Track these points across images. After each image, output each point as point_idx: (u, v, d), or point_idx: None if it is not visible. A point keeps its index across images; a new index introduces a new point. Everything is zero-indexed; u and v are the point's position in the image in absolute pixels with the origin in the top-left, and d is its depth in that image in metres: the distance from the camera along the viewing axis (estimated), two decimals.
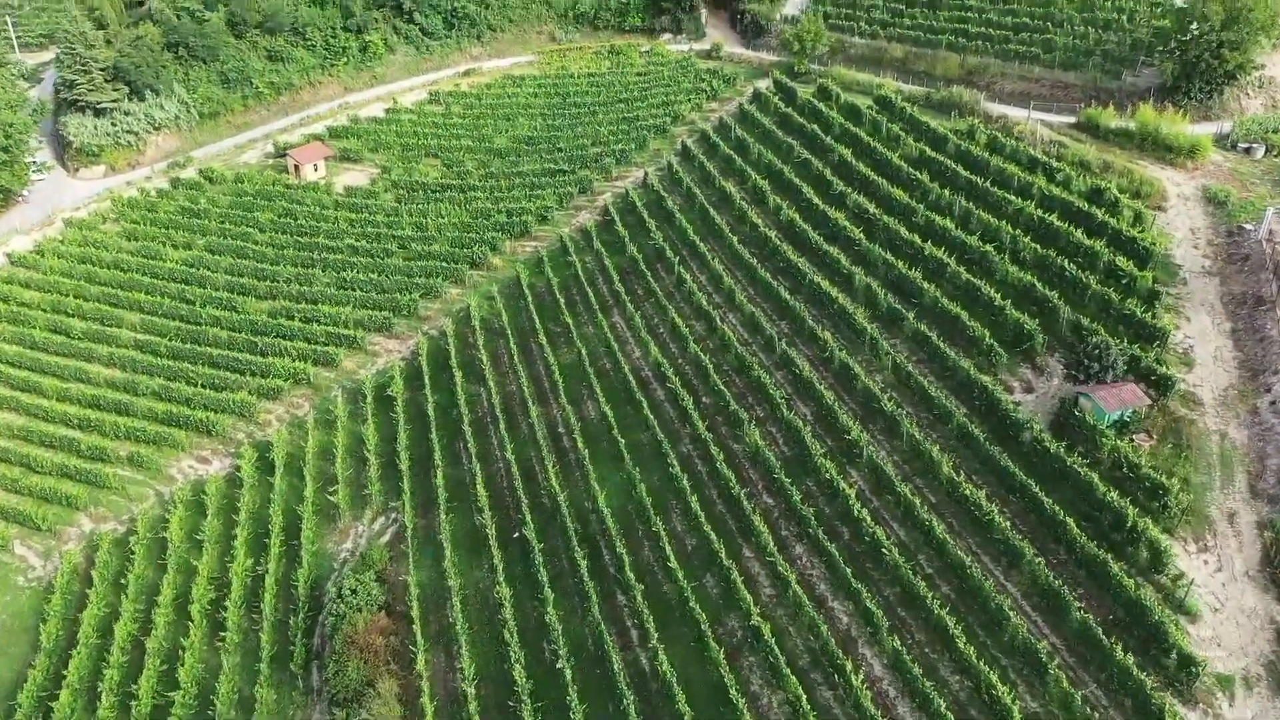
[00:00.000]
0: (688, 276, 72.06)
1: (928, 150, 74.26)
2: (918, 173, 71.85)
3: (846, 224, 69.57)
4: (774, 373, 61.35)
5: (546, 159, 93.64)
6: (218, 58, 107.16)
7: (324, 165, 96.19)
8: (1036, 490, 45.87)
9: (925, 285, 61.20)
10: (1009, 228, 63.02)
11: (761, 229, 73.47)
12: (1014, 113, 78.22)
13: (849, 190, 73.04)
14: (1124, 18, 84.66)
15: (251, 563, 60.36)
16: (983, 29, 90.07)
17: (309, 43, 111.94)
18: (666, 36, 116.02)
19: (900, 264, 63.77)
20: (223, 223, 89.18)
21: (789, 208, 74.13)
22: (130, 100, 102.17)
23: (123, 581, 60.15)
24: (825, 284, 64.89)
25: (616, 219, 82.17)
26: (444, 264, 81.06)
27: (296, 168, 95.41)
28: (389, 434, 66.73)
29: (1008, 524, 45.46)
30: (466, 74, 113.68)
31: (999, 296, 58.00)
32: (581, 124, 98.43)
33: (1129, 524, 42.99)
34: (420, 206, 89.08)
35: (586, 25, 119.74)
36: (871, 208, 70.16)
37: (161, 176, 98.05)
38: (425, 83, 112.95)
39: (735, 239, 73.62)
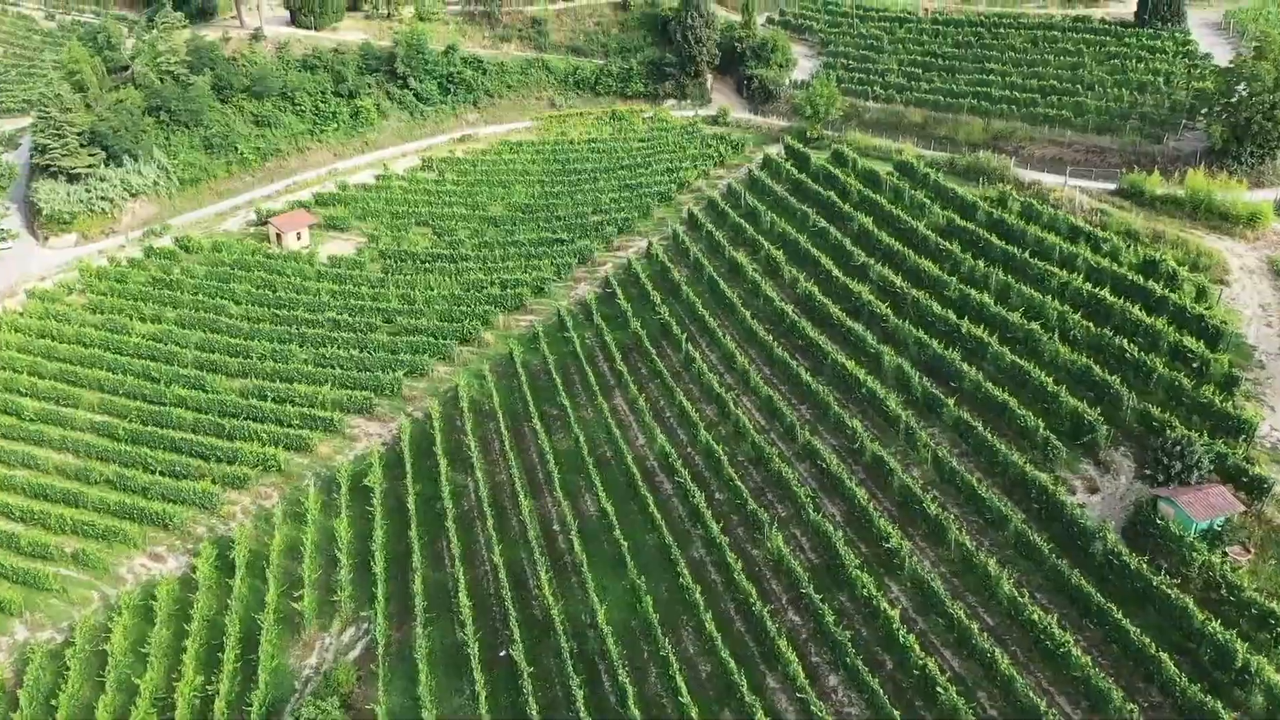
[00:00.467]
0: (697, 355, 65.64)
1: (956, 219, 68.50)
2: (947, 243, 66.01)
3: (871, 298, 63.43)
4: (796, 465, 54.51)
5: (544, 228, 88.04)
6: (201, 122, 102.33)
7: (307, 233, 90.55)
8: (1119, 617, 38.66)
9: (964, 367, 54.69)
10: (1054, 303, 56.81)
11: (777, 303, 67.28)
12: (1048, 179, 72.70)
13: (872, 261, 67.08)
14: (1160, 79, 79.69)
15: (201, 681, 52.76)
16: (1007, 92, 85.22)
17: (298, 108, 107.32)
18: (671, 103, 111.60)
19: (934, 343, 57.39)
20: (196, 294, 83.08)
21: (807, 280, 68.08)
22: (107, 165, 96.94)
23: (53, 703, 52.48)
24: (851, 365, 58.41)
25: (618, 291, 76.09)
26: (432, 339, 74.76)
27: (278, 236, 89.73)
28: (364, 530, 59.62)
29: (1087, 658, 38.13)
30: (462, 140, 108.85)
31: (1050, 381, 51.43)
32: (581, 191, 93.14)
33: (1239, 662, 35.76)
34: (408, 277, 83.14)
35: (588, 91, 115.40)
36: (898, 281, 64.07)
37: (135, 245, 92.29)
38: (418, 149, 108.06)
39: (748, 314, 67.40)
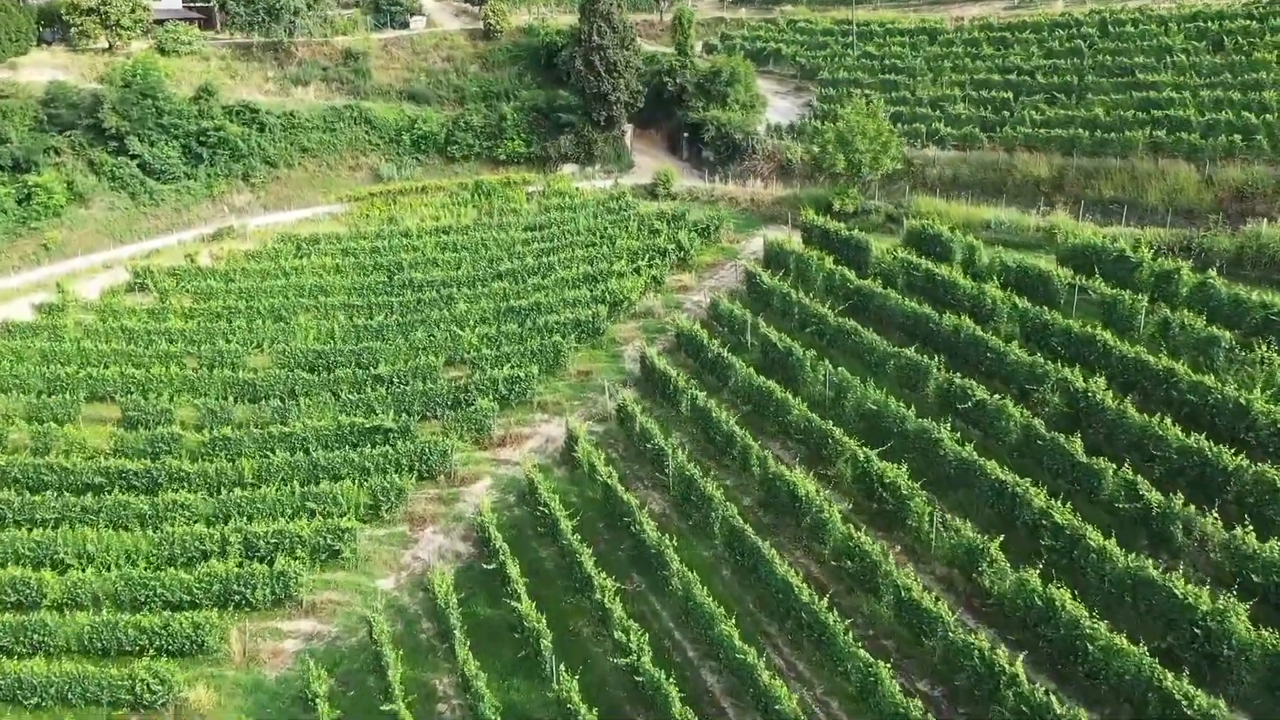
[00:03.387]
0: None
1: None
2: None
3: (1177, 586, 21.99)
4: None
5: (347, 404, 43.48)
6: None
7: None
8: None
9: None
10: None
11: (912, 595, 24.99)
12: None
13: (1192, 512, 25.82)
14: None
15: None
16: (1225, 116, 46.31)
17: None
18: (571, 168, 70.10)
19: None
20: None
21: (975, 530, 26.29)
22: None
23: None
24: None
25: (509, 555, 32.07)
26: None
27: None
28: None
29: None
30: (217, 237, 64.00)
31: None
32: (426, 324, 49.23)
33: None
34: (38, 538, 36.77)
35: (434, 154, 72.82)
36: (1248, 540, 22.82)
37: None
38: (141, 253, 62.58)
39: (838, 629, 24.73)
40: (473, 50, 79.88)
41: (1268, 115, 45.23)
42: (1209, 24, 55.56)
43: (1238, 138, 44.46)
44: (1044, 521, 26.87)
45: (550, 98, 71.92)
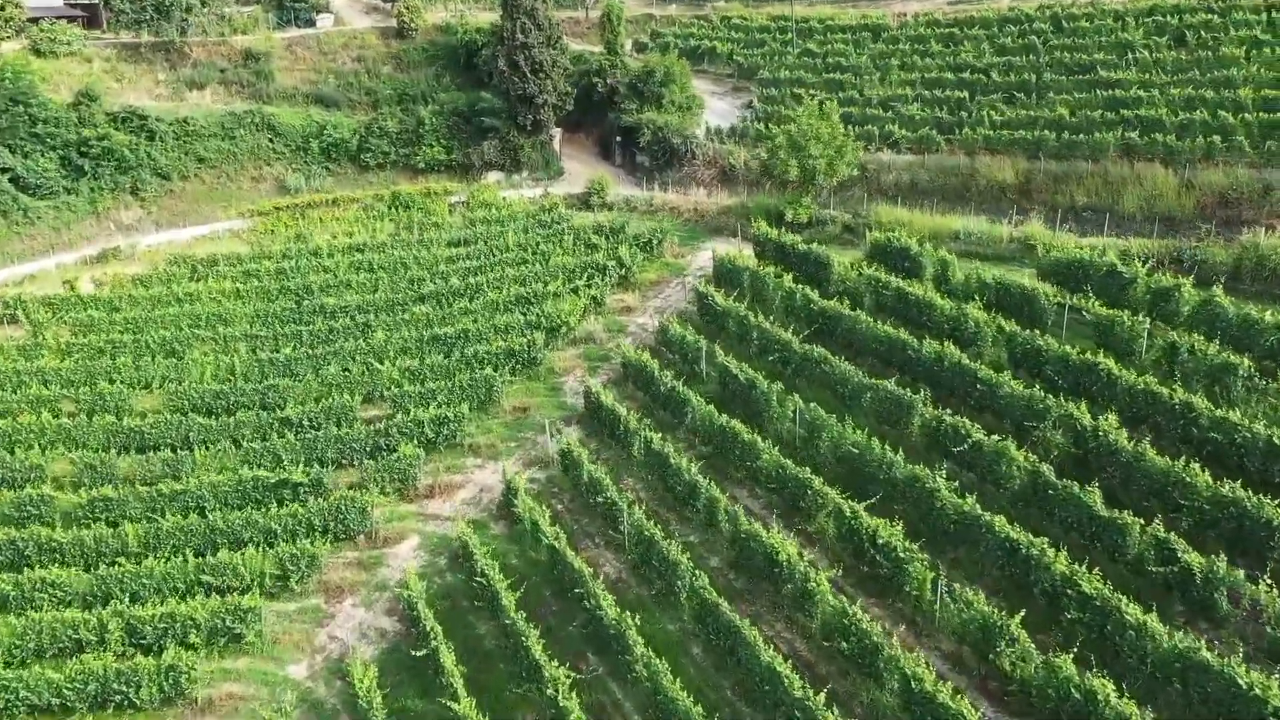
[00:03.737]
0: None
1: None
2: None
3: (1239, 673, 18.51)
4: None
5: (252, 451, 38.06)
6: None
7: None
8: None
9: None
10: None
11: (924, 687, 21.06)
12: None
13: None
14: None
15: None
16: (1201, 116, 43.64)
17: None
18: (496, 176, 65.15)
19: None
20: None
21: (986, 600, 22.41)
22: None
23: None
24: None
25: (441, 638, 27.44)
26: None
27: None
28: None
29: None
30: (102, 259, 57.45)
31: None
32: (339, 354, 43.98)
33: None
34: None
35: (345, 163, 67.06)
36: None
37: None
38: (13, 279, 55.77)
39: None
40: (386, 50, 74.33)
41: (1245, 114, 42.91)
42: (1168, 18, 53.37)
43: (1216, 139, 41.97)
44: (1068, 590, 23.20)
45: (472, 100, 66.88)
